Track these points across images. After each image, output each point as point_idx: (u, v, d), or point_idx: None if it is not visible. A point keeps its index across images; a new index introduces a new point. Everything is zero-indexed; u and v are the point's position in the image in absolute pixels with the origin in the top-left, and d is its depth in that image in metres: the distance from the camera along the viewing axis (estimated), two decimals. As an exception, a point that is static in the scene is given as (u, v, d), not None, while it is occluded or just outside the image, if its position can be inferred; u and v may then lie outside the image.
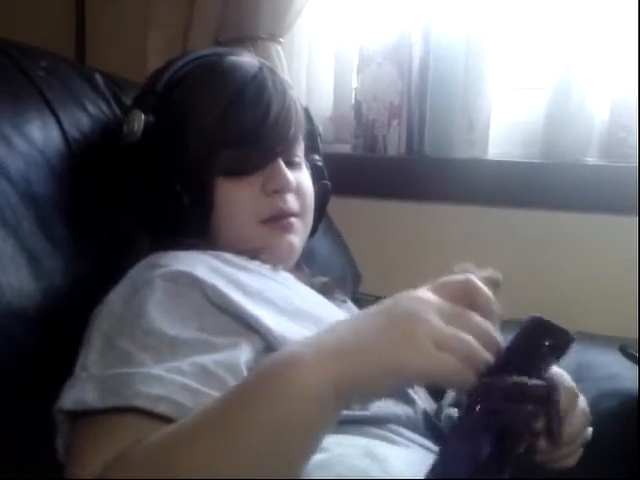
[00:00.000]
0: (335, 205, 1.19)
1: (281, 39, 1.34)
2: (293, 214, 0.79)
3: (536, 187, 1.25)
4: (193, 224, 0.76)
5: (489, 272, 0.61)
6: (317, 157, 0.91)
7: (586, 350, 0.93)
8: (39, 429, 0.64)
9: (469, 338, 0.49)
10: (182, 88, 0.80)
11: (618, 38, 1.20)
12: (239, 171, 0.77)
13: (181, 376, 0.56)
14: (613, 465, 0.79)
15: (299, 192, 0.81)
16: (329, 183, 0.91)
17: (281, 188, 0.78)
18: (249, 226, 0.78)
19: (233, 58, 0.82)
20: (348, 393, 0.49)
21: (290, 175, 0.78)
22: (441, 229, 1.32)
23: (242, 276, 0.70)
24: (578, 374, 0.89)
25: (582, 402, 0.68)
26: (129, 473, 0.49)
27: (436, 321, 0.49)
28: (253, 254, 0.77)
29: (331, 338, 0.51)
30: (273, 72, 0.82)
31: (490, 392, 0.49)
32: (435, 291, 0.52)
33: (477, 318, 0.51)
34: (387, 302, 0.52)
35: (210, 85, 0.79)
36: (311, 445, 0.50)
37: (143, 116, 0.77)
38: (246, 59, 0.82)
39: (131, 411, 0.54)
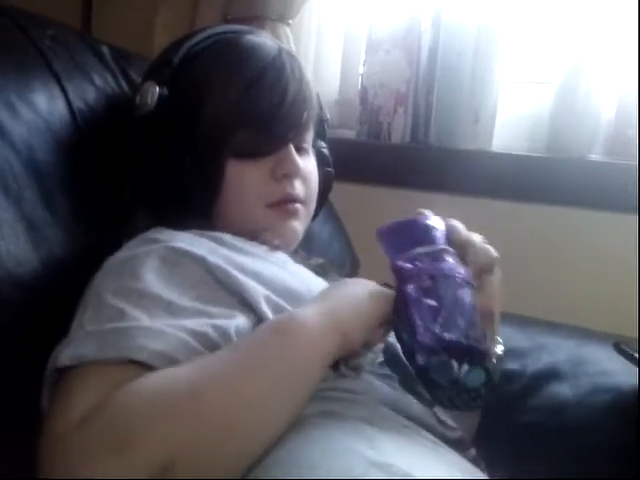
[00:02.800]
0: (336, 191, 1.20)
1: (290, 21, 1.33)
2: (299, 200, 0.79)
3: (540, 182, 1.25)
4: (197, 201, 0.76)
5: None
6: (323, 144, 0.91)
7: (583, 346, 0.93)
8: (31, 398, 0.64)
9: None
10: (200, 63, 0.79)
11: (626, 35, 1.19)
12: (251, 153, 0.77)
13: (182, 332, 0.57)
14: (608, 460, 0.80)
15: (305, 179, 0.81)
16: (333, 170, 0.91)
17: (290, 173, 0.78)
18: (255, 209, 0.78)
19: (253, 38, 0.81)
20: (346, 323, 0.60)
21: (300, 161, 0.78)
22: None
23: (240, 258, 0.70)
24: (573, 369, 0.90)
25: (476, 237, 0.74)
26: (141, 397, 0.49)
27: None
28: (253, 235, 0.77)
29: (317, 297, 0.64)
30: (292, 56, 0.81)
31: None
32: None
33: None
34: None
35: (229, 63, 0.78)
36: (317, 376, 0.57)
37: (157, 88, 0.76)
38: (267, 41, 0.81)
39: (128, 364, 0.54)
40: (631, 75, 1.20)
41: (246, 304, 0.64)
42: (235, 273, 0.65)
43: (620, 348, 0.88)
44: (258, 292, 0.65)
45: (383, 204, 1.34)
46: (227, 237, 0.73)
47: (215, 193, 0.76)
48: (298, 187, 0.79)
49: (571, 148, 1.23)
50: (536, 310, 1.10)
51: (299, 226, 0.80)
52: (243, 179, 0.77)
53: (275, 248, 0.77)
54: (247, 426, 0.51)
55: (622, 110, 1.22)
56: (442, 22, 1.27)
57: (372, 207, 1.34)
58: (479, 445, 0.69)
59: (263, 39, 0.82)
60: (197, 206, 0.76)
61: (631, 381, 0.82)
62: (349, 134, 1.37)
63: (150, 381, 0.51)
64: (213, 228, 0.75)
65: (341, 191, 1.24)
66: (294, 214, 0.79)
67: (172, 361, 0.54)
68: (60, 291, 0.70)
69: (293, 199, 0.79)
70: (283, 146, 0.78)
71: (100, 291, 0.62)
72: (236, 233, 0.75)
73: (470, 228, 1.27)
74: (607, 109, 1.23)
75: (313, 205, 0.84)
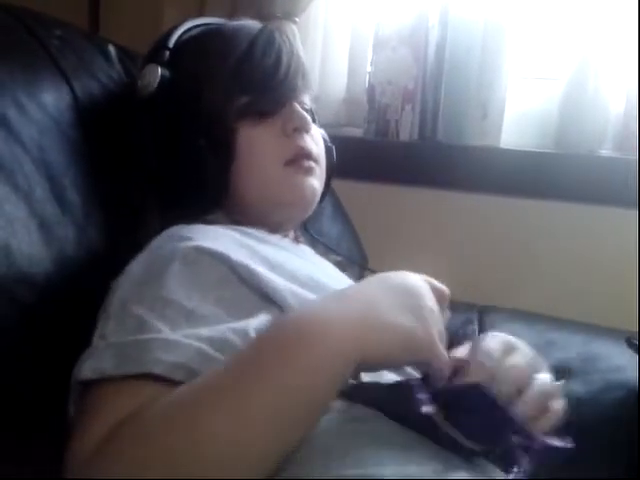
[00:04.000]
0: (345, 188, 1.19)
1: (297, 19, 1.33)
2: (312, 156, 0.80)
3: (548, 178, 1.24)
4: (213, 175, 0.76)
5: None
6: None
7: (592, 342, 0.93)
8: (45, 397, 0.64)
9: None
10: (195, 42, 0.82)
11: (634, 31, 1.18)
12: (257, 115, 0.78)
13: (198, 342, 0.56)
14: (619, 455, 0.79)
15: (313, 137, 0.82)
16: (333, 146, 0.90)
17: (300, 126, 0.79)
18: (272, 169, 0.78)
19: (241, 21, 0.86)
20: (369, 351, 0.53)
21: (307, 115, 0.80)
22: (450, 216, 1.31)
23: (264, 249, 0.70)
24: (584, 366, 0.90)
25: (541, 382, 0.62)
26: (144, 432, 0.49)
27: (433, 301, 0.58)
28: (274, 227, 0.78)
29: (351, 301, 0.56)
30: (279, 29, 0.84)
31: None
32: (424, 280, 0.61)
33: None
34: (393, 275, 0.60)
35: (223, 37, 0.81)
36: (328, 398, 0.53)
37: (159, 69, 0.78)
38: (253, 21, 0.86)
39: (148, 378, 0.54)
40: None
41: (270, 300, 0.64)
42: (259, 270, 0.65)
43: (632, 343, 0.88)
44: (282, 287, 0.65)
45: (392, 202, 1.34)
46: (250, 229, 0.74)
47: (229, 161, 0.76)
48: (310, 142, 0.80)
49: (580, 144, 1.22)
50: (545, 306, 1.10)
51: (317, 183, 0.80)
52: (255, 141, 0.77)
53: (297, 241, 0.77)
54: (247, 462, 0.49)
55: (631, 105, 1.21)
56: (449, 18, 1.27)
57: (381, 205, 1.34)
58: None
59: (250, 21, 0.86)
60: (213, 183, 0.76)
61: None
62: (357, 132, 1.36)
63: (150, 415, 0.51)
64: (231, 221, 0.76)
65: (350, 189, 1.24)
66: (310, 171, 0.79)
67: (189, 371, 0.54)
68: (72, 290, 0.70)
69: (307, 153, 0.79)
70: (287, 103, 0.79)
71: (123, 299, 0.62)
72: (254, 215, 0.77)
73: (479, 225, 1.28)
74: (616, 104, 1.22)
75: (324, 168, 0.84)
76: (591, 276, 1.21)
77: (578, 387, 0.86)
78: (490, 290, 1.20)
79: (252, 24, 0.84)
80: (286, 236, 0.80)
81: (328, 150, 0.88)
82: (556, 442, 0.55)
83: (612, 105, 1.22)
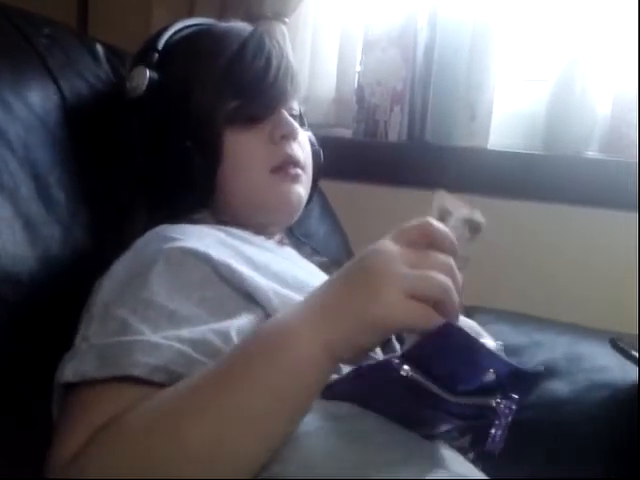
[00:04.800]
0: (334, 189, 1.20)
1: (286, 19, 1.33)
2: (299, 163, 0.80)
3: (536, 179, 1.25)
4: (200, 179, 0.76)
5: (470, 213, 0.61)
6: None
7: (577, 342, 0.94)
8: (29, 397, 0.64)
9: (435, 275, 0.51)
10: (185, 44, 0.82)
11: (622, 33, 1.19)
12: (245, 121, 0.78)
13: (179, 343, 0.56)
14: (604, 456, 0.80)
15: (301, 143, 0.82)
16: (320, 149, 0.90)
17: (288, 133, 0.79)
18: (258, 175, 0.78)
19: (231, 23, 0.86)
20: (338, 350, 0.51)
21: (294, 122, 0.80)
22: (439, 217, 1.31)
23: (248, 249, 0.70)
24: (569, 366, 0.90)
25: None
26: (126, 436, 0.50)
27: (401, 270, 0.51)
28: (259, 229, 0.78)
29: (316, 302, 0.54)
30: (268, 33, 0.84)
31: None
32: (395, 239, 0.54)
33: (439, 256, 0.52)
34: (355, 261, 0.55)
35: (213, 39, 0.81)
36: (307, 403, 0.53)
37: (147, 71, 0.78)
38: (242, 23, 0.86)
39: (129, 380, 0.54)
40: (627, 72, 1.20)
41: (252, 300, 0.64)
42: (241, 270, 0.65)
43: (617, 345, 0.88)
44: (265, 286, 0.65)
45: (380, 203, 1.34)
46: (235, 230, 0.74)
47: (216, 164, 0.76)
48: (297, 149, 0.80)
49: (567, 145, 1.23)
50: (532, 307, 1.10)
51: (302, 191, 0.81)
52: (242, 147, 0.78)
53: (282, 243, 0.77)
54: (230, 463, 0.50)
55: (618, 107, 1.22)
56: (438, 20, 1.27)
57: (369, 206, 1.34)
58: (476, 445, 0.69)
59: (239, 23, 0.86)
60: (199, 186, 0.76)
61: (627, 377, 0.82)
62: (346, 133, 1.37)
63: (132, 418, 0.51)
64: (217, 221, 0.76)
65: (338, 189, 1.24)
66: (296, 178, 0.80)
67: (169, 373, 0.54)
68: (58, 290, 0.70)
69: (294, 161, 0.79)
70: (276, 110, 0.79)
71: (106, 301, 0.62)
72: (240, 219, 0.77)
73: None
74: (603, 106, 1.23)
75: (310, 174, 0.84)
76: (577, 277, 1.22)
77: (563, 387, 0.86)
78: (476, 291, 1.21)
79: (242, 26, 0.84)
80: (271, 238, 0.80)
81: (315, 153, 0.88)
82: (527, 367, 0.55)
83: (599, 106, 1.22)
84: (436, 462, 0.57)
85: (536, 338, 0.96)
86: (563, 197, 1.23)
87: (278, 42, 0.83)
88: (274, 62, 0.79)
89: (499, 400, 0.55)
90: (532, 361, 0.90)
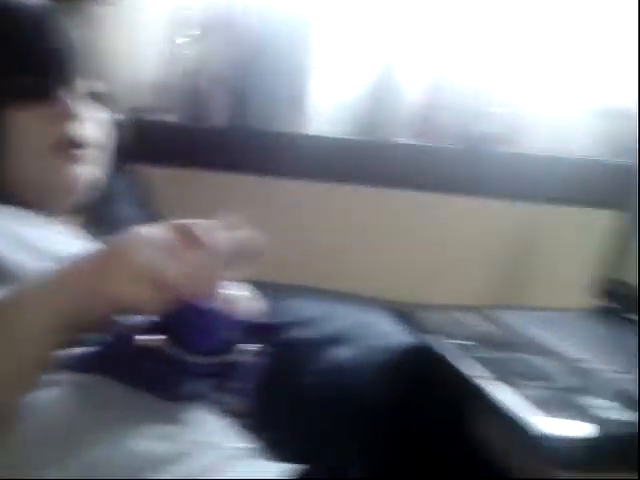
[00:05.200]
0: (157, 175, 1.18)
1: (111, 0, 1.30)
2: (82, 144, 0.79)
3: (354, 164, 1.30)
4: None
5: (243, 233, 0.63)
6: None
7: (365, 312, 0.98)
8: None
9: (167, 269, 0.53)
10: None
11: (438, 24, 1.27)
12: (25, 99, 0.77)
13: None
14: (380, 415, 0.84)
15: (89, 123, 0.80)
16: (117, 130, 0.88)
17: (66, 115, 0.77)
18: (37, 154, 0.77)
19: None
20: (70, 319, 0.56)
21: (77, 104, 0.78)
22: (262, 201, 1.33)
23: (17, 228, 0.70)
24: (355, 333, 0.94)
25: None
26: None
27: (145, 256, 0.54)
28: (40, 208, 0.77)
29: (58, 275, 0.58)
30: (57, 9, 0.81)
31: None
32: (168, 228, 0.57)
33: (188, 253, 0.55)
34: (110, 242, 0.58)
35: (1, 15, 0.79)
36: (36, 369, 0.57)
37: None
38: (38, 2, 0.82)
39: None
40: (442, 62, 1.27)
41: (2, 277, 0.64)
42: None
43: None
44: (20, 263, 0.65)
45: (204, 188, 1.34)
46: (12, 209, 0.73)
47: None
48: (79, 130, 0.79)
49: (381, 131, 1.29)
50: (337, 283, 1.15)
51: (88, 170, 0.80)
52: (21, 125, 0.77)
53: (66, 223, 0.78)
54: None
55: (429, 97, 1.29)
56: (260, 5, 1.29)
57: (194, 191, 1.33)
58: (260, 411, 0.70)
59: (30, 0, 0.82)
60: None
61: (402, 341, 0.87)
62: (169, 117, 1.36)
63: None
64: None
65: (161, 175, 1.23)
66: (77, 158, 0.79)
67: None
68: None
69: (75, 142, 0.78)
70: (58, 90, 0.78)
71: None
72: (22, 196, 0.76)
73: (290, 210, 1.31)
74: (416, 96, 1.29)
75: (102, 153, 0.83)
76: (380, 253, 1.29)
77: (346, 353, 0.90)
78: (293, 271, 1.24)
79: (33, 4, 0.81)
80: (56, 218, 0.79)
81: (114, 134, 0.87)
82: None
83: (413, 97, 1.29)
84: (176, 422, 0.59)
85: (332, 309, 1.00)
86: (379, 180, 1.29)
87: (64, 20, 0.81)
88: (54, 41, 0.78)
89: (238, 352, 0.59)
90: (325, 330, 0.93)
